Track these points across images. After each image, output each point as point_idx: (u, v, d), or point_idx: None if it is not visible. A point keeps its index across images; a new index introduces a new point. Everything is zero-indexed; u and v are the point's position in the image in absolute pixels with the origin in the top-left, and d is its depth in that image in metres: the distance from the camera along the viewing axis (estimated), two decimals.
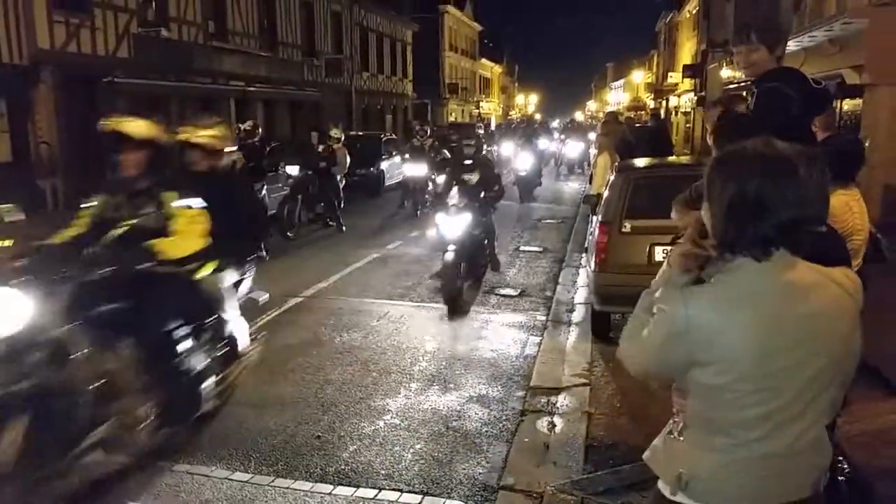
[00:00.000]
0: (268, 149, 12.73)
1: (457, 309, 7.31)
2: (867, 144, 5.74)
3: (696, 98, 31.82)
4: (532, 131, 22.15)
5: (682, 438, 1.77)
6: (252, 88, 21.87)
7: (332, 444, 4.47)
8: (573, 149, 25.84)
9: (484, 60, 64.66)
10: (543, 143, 28.92)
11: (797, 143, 1.72)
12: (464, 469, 4.16)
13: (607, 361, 5.88)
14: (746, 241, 1.62)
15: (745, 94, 3.07)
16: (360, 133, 23.36)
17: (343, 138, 13.54)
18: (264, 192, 10.54)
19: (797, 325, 1.61)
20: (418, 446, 4.45)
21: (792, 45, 13.21)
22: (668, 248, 5.91)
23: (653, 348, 1.72)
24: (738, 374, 1.61)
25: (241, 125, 10.53)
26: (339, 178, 12.97)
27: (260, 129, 10.81)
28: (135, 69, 16.48)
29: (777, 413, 1.63)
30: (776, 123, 2.82)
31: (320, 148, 13.06)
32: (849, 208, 3.58)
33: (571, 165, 25.67)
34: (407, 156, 16.32)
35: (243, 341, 4.76)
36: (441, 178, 9.42)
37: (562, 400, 5.10)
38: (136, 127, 3.96)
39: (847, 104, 13.56)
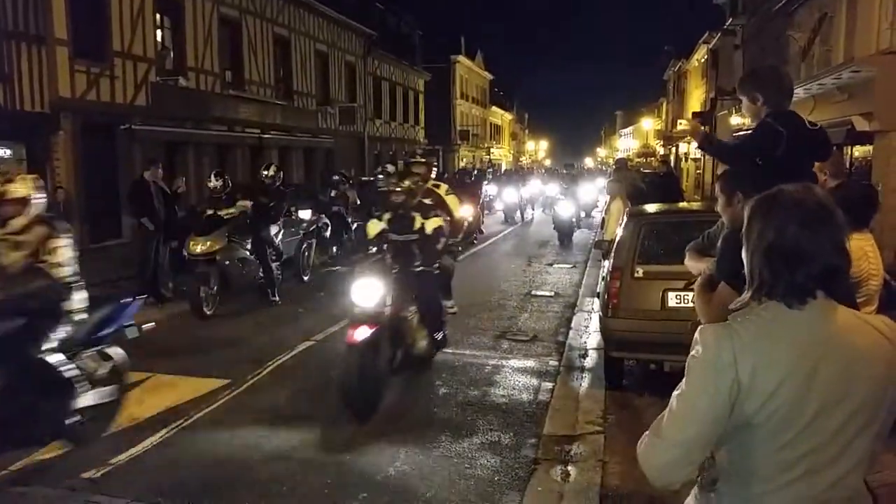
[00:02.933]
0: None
1: None
2: (880, 189, 5.75)
3: None
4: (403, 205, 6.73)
5: (712, 494, 1.72)
6: (267, 136, 22.24)
7: (342, 492, 4.40)
8: (565, 208, 18.14)
9: (494, 108, 65.58)
10: (551, 189, 26.82)
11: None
12: None
13: (622, 408, 5.81)
14: (782, 286, 1.61)
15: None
16: (372, 178, 23.57)
17: (350, 181, 13.71)
18: (280, 235, 10.65)
19: (834, 364, 1.59)
20: (429, 494, 4.37)
21: (801, 93, 13.35)
22: (682, 293, 5.90)
23: (695, 391, 1.62)
24: (774, 407, 1.58)
25: (264, 171, 10.68)
26: (350, 220, 13.08)
27: (281, 174, 10.96)
28: (152, 117, 16.82)
29: (812, 455, 1.59)
30: (760, 152, 2.86)
31: (332, 193, 13.20)
32: (864, 253, 3.56)
33: (567, 231, 17.95)
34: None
35: None
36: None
37: (576, 448, 5.02)
38: None
39: (857, 150, 13.61)
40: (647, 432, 1.68)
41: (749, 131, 3.42)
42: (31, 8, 13.81)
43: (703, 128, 3.24)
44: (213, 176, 10.11)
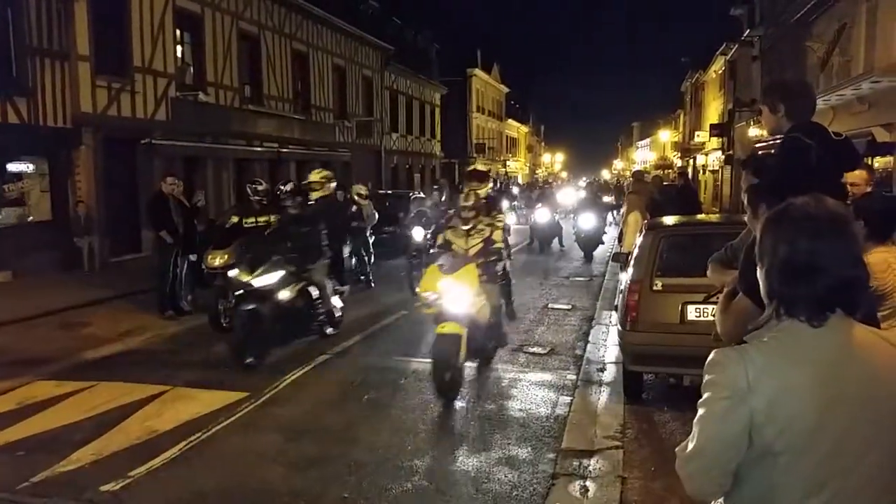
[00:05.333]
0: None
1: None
2: None
3: (723, 157, 31.88)
4: None
5: None
6: (285, 150, 22.42)
7: None
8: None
9: (510, 121, 65.69)
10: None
11: (829, 197, 1.70)
12: None
13: (641, 423, 5.75)
14: (801, 302, 1.58)
15: (772, 151, 3.07)
16: (389, 191, 23.66)
17: (367, 194, 13.74)
18: None
19: (855, 385, 1.55)
20: None
21: (820, 104, 13.25)
22: (701, 306, 5.85)
23: (712, 420, 1.60)
24: (795, 432, 1.54)
25: (281, 186, 10.74)
26: (368, 233, 13.11)
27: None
28: (172, 131, 17.02)
29: (837, 479, 1.55)
30: (796, 169, 2.82)
31: (354, 209, 13.24)
32: (888, 266, 3.50)
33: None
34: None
35: None
36: None
37: (594, 463, 4.97)
38: None
39: (878, 161, 13.46)
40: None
41: (766, 142, 3.38)
42: (55, 25, 14.07)
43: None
44: (255, 184, 10.08)
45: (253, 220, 9.71)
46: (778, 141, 3.13)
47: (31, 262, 13.32)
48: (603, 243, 17.71)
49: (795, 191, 1.74)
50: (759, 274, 1.69)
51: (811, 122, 3.06)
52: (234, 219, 9.81)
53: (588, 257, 16.84)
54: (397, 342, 8.69)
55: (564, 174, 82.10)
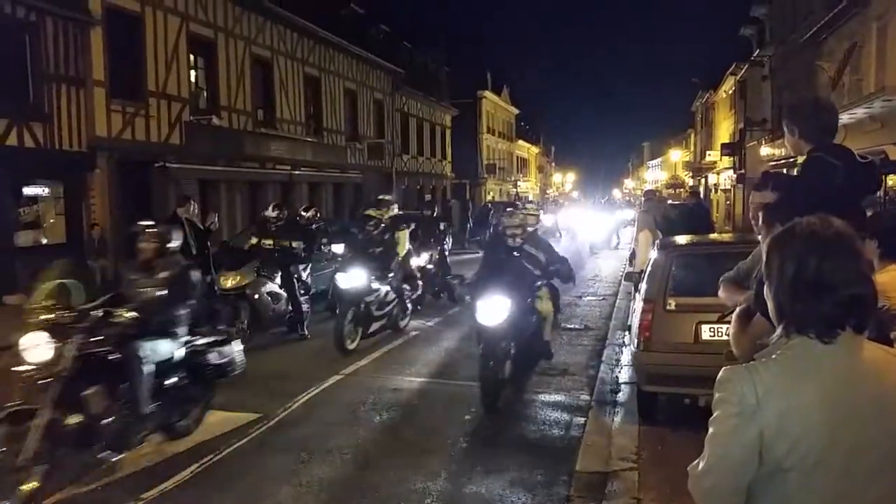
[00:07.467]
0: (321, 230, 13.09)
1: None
2: None
3: (735, 176, 31.83)
4: None
5: None
6: (298, 172, 22.59)
7: None
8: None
9: (521, 142, 65.91)
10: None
11: (849, 221, 1.69)
12: None
13: (655, 444, 5.68)
14: (810, 319, 1.58)
15: (795, 171, 3.07)
16: (400, 213, 23.63)
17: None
18: (308, 270, 10.78)
19: (866, 403, 1.54)
20: None
21: None
22: (715, 325, 5.78)
23: (722, 437, 1.60)
24: (805, 449, 1.53)
25: (302, 212, 10.95)
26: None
27: (319, 215, 11.23)
28: (186, 155, 17.21)
29: (850, 497, 1.54)
30: (820, 190, 2.79)
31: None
32: None
33: None
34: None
35: None
36: None
37: (609, 485, 4.91)
38: None
39: (891, 179, 13.39)
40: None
41: (778, 161, 3.37)
42: (71, 51, 14.32)
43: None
44: (271, 207, 10.42)
45: (271, 242, 9.86)
46: (791, 161, 3.13)
47: None
48: (549, 357, 7.60)
49: (814, 211, 1.74)
50: (767, 292, 1.69)
51: (836, 145, 3.05)
52: (254, 240, 9.97)
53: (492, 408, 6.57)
54: (409, 362, 8.67)
55: (575, 194, 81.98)
